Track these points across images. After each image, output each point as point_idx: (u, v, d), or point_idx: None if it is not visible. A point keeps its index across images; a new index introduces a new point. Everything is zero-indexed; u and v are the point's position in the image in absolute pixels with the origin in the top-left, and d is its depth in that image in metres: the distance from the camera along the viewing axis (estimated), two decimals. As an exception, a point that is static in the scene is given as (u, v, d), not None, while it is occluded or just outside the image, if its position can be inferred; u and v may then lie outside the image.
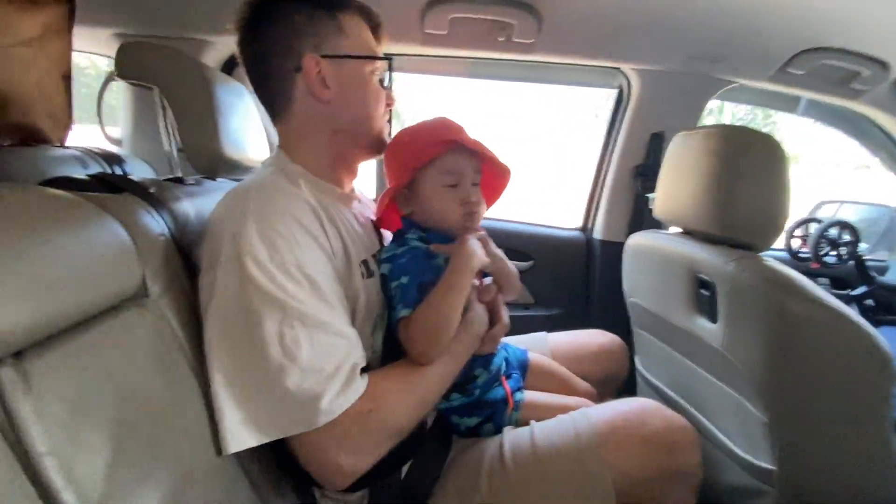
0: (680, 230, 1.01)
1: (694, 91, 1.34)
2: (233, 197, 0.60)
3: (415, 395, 0.62)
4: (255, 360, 0.52)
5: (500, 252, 0.77)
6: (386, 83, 0.74)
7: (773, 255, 0.85)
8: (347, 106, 0.68)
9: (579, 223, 1.58)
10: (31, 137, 0.76)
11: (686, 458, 0.68)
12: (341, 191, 0.72)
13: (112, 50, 0.75)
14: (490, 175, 0.76)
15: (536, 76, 1.52)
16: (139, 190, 0.63)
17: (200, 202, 0.75)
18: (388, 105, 0.74)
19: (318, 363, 0.54)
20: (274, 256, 0.54)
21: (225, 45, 1.20)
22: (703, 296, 0.88)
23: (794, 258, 1.43)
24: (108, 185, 0.61)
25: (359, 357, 0.58)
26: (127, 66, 0.75)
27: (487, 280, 0.74)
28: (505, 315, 0.76)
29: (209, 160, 0.76)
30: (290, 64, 0.65)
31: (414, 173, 0.69)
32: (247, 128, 0.89)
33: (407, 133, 0.73)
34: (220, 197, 0.62)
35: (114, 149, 1.08)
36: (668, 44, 1.19)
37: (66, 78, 0.81)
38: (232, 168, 0.82)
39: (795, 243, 1.45)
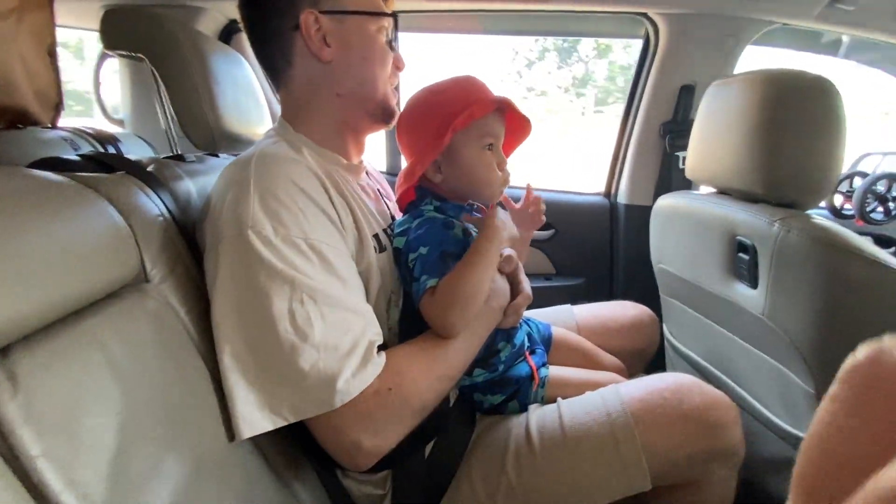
0: (713, 190, 0.93)
1: (728, 36, 1.22)
2: (232, 169, 0.56)
3: (436, 370, 0.59)
4: (266, 341, 0.50)
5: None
6: (393, 43, 0.67)
7: (814, 213, 0.78)
8: (350, 65, 0.63)
9: (601, 187, 1.50)
10: (19, 119, 0.71)
11: (727, 437, 0.64)
12: (348, 161, 0.67)
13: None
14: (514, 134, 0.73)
15: (555, 28, 1.41)
16: (135, 169, 0.59)
17: (203, 180, 0.72)
18: (397, 68, 0.68)
19: (333, 340, 0.51)
20: (279, 230, 0.51)
21: (221, 10, 1.13)
22: (742, 260, 0.81)
23: (837, 215, 1.33)
24: (101, 165, 0.57)
25: (375, 334, 0.55)
26: (114, 36, 0.70)
27: (507, 251, 0.70)
28: (527, 286, 0.72)
29: (207, 135, 0.72)
30: (288, 22, 0.60)
31: (452, 137, 0.64)
32: (247, 99, 0.83)
33: (432, 94, 0.68)
34: (217, 169, 0.58)
35: (114, 129, 1.04)
36: None
37: (52, 55, 0.76)
38: (233, 142, 0.78)
39: (838, 199, 1.35)
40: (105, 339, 0.42)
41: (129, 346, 0.44)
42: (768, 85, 0.76)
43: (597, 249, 1.45)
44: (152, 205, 0.56)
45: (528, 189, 0.80)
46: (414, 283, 0.62)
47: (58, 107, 0.80)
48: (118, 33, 0.67)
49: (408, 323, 0.65)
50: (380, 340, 0.56)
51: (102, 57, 0.72)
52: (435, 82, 0.69)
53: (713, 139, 0.87)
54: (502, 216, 0.66)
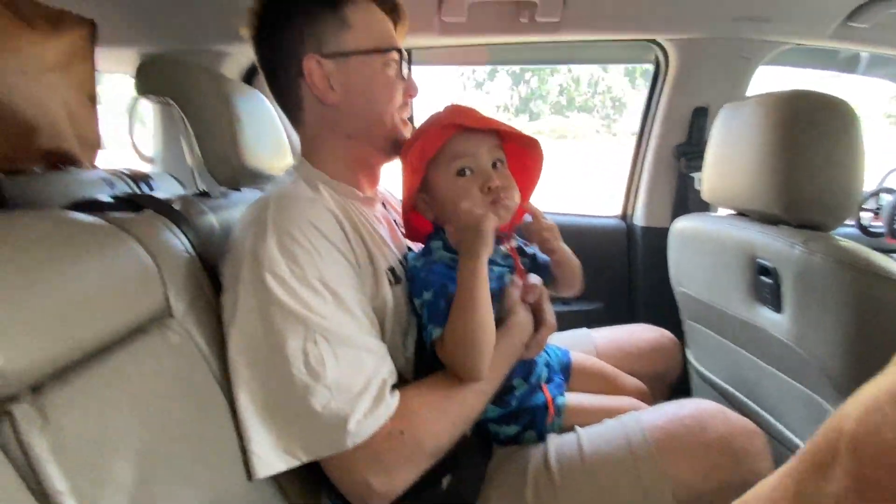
0: (732, 212, 0.92)
1: (740, 58, 1.22)
2: (253, 209, 0.59)
3: (451, 413, 0.58)
4: (280, 381, 0.50)
5: (565, 246, 0.70)
6: (404, 73, 0.68)
7: (841, 233, 0.75)
8: (354, 108, 0.64)
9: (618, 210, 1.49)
10: (62, 161, 0.77)
11: (755, 465, 0.61)
12: (363, 194, 0.69)
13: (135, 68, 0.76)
14: (521, 158, 0.67)
15: (563, 56, 1.44)
16: (162, 208, 0.62)
17: (225, 215, 0.75)
18: (409, 95, 0.69)
19: (346, 381, 0.51)
20: (294, 270, 0.52)
21: (244, 53, 1.20)
22: (764, 283, 0.79)
23: (866, 234, 1.28)
24: (132, 204, 0.61)
25: (387, 373, 0.55)
26: (146, 83, 0.75)
27: (533, 278, 0.68)
28: (551, 315, 0.69)
29: (230, 172, 0.75)
30: (293, 68, 0.62)
31: (424, 169, 0.63)
32: (268, 136, 0.87)
33: (414, 132, 0.67)
34: (245, 208, 0.60)
35: (146, 167, 1.10)
36: (709, 7, 1.09)
37: (92, 100, 0.82)
38: (255, 178, 0.81)
39: (866, 217, 1.31)
40: (130, 376, 0.43)
41: (153, 381, 0.45)
42: (784, 106, 0.75)
43: (615, 273, 1.43)
44: (177, 241, 0.59)
45: (536, 214, 0.69)
46: (423, 330, 0.62)
47: (96, 148, 0.86)
48: (150, 81, 0.72)
49: (423, 352, 0.65)
50: (393, 380, 0.56)
51: (135, 101, 0.77)
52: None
53: (729, 161, 0.87)
54: (483, 228, 0.57)
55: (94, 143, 0.84)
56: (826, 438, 0.24)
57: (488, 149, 0.62)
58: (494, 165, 0.63)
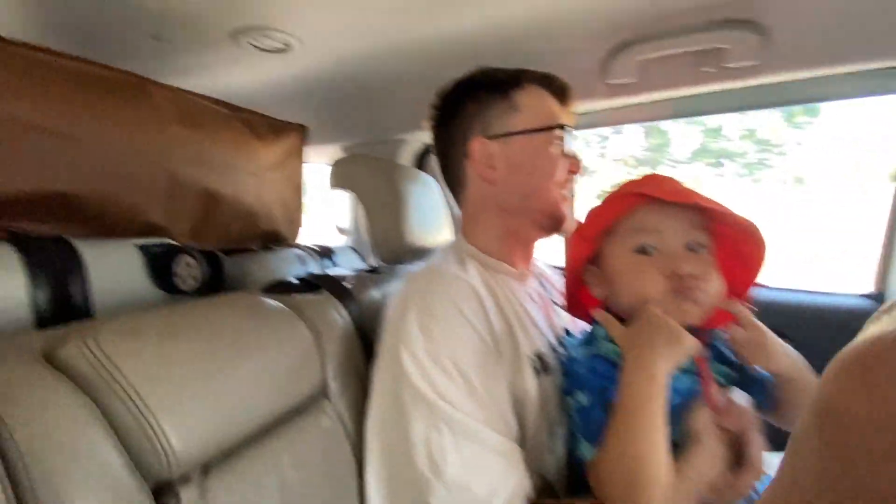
0: None
1: None
2: (404, 284, 0.60)
3: None
4: (404, 465, 0.48)
5: (788, 353, 0.53)
6: (566, 151, 0.64)
7: None
8: (512, 183, 0.63)
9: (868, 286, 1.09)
10: (273, 240, 0.94)
11: None
12: (514, 269, 0.65)
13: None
14: (737, 245, 0.53)
15: (766, 99, 1.19)
16: (335, 287, 0.69)
17: (387, 288, 0.79)
18: (572, 172, 0.65)
19: (466, 480, 0.45)
20: (429, 347, 0.50)
21: (418, 139, 1.34)
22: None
23: None
24: (312, 285, 0.68)
25: (517, 483, 0.47)
26: (335, 177, 0.87)
27: (739, 396, 0.51)
28: (759, 451, 0.49)
29: (393, 249, 0.80)
30: (460, 150, 0.65)
31: (598, 240, 0.55)
32: (433, 215, 0.93)
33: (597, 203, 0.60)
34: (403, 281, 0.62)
35: (341, 240, 1.30)
36: None
37: (299, 189, 1.01)
38: (416, 253, 0.85)
39: None
40: (281, 461, 0.45)
41: (300, 467, 0.47)
42: None
43: None
44: (342, 320, 0.63)
45: (742, 316, 0.51)
46: (572, 439, 0.52)
47: (298, 227, 1.03)
48: (338, 175, 0.84)
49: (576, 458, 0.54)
50: (524, 493, 0.48)
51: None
52: None
53: None
54: (659, 319, 0.47)
55: (297, 223, 1.02)
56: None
57: (683, 227, 0.51)
58: (693, 249, 0.51)
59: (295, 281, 0.69)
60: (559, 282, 0.74)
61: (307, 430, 0.50)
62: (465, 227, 0.68)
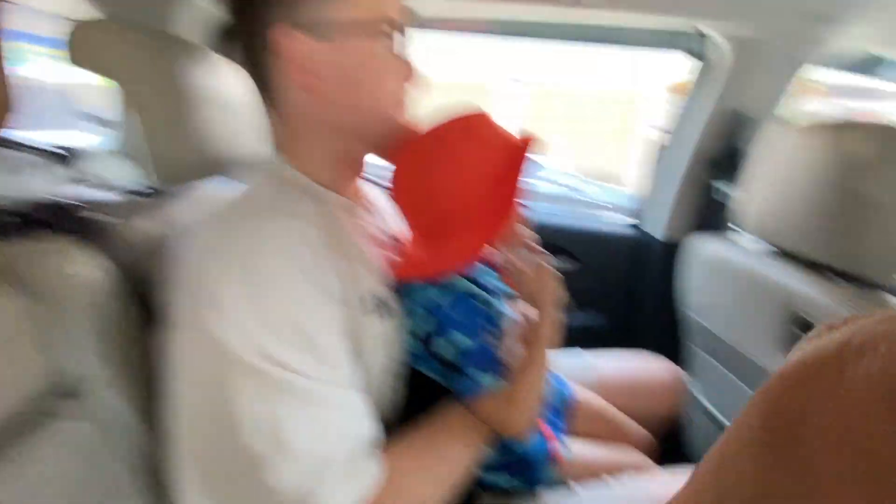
0: (771, 247, 0.81)
1: (789, 60, 1.07)
2: (210, 229, 0.45)
3: (442, 474, 0.49)
4: (229, 450, 0.39)
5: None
6: (398, 53, 0.52)
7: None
8: (341, 95, 0.49)
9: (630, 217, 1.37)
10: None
11: None
12: (344, 198, 0.55)
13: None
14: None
15: (586, 34, 1.26)
16: (81, 223, 0.47)
17: (170, 220, 0.60)
18: (406, 80, 0.53)
19: (314, 446, 0.41)
20: (260, 314, 0.40)
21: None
22: (800, 338, 0.70)
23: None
24: (37, 223, 0.45)
25: (365, 435, 0.45)
26: (76, 50, 0.56)
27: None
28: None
29: (174, 162, 0.59)
30: (259, 40, 0.47)
31: None
32: (232, 116, 0.71)
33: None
34: (196, 210, 0.47)
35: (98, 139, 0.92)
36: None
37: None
38: (210, 169, 0.65)
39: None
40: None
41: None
42: (858, 139, 0.63)
43: (618, 286, 1.33)
44: (98, 274, 0.44)
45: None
46: (457, 375, 0.53)
47: (4, 108, 0.66)
48: (79, 49, 0.54)
49: (413, 397, 0.56)
50: (372, 439, 0.46)
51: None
52: None
53: (773, 187, 0.75)
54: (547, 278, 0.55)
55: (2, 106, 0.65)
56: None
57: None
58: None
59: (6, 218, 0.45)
60: (387, 206, 0.67)
61: (49, 437, 0.35)
62: (283, 146, 0.54)
